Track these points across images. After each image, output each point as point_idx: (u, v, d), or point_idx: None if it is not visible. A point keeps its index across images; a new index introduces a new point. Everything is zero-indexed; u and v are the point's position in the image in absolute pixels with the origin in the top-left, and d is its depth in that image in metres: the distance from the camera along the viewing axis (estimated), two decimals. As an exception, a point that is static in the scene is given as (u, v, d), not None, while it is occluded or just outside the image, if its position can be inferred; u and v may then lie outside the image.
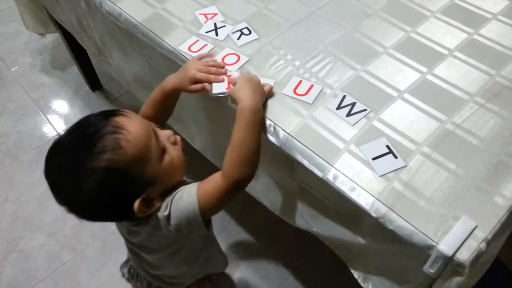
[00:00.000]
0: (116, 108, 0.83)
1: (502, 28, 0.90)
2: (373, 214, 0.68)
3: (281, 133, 0.76)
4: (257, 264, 1.39)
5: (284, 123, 0.77)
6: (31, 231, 1.56)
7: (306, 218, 0.88)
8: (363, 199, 0.69)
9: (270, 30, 0.93)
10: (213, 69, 0.82)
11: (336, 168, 0.72)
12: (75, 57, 1.74)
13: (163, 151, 0.71)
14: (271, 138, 0.77)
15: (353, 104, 0.79)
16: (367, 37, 0.90)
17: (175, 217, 0.71)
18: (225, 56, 0.88)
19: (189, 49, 0.89)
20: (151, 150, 0.68)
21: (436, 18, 0.93)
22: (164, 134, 0.74)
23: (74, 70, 1.93)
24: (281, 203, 0.93)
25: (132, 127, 0.67)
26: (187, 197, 0.71)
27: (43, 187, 1.64)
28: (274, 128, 0.77)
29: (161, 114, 0.86)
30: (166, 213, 0.71)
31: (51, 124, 1.83)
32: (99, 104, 1.88)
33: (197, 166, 1.01)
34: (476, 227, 0.64)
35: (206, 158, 1.08)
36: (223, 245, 1.34)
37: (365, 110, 0.78)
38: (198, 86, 0.81)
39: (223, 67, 0.85)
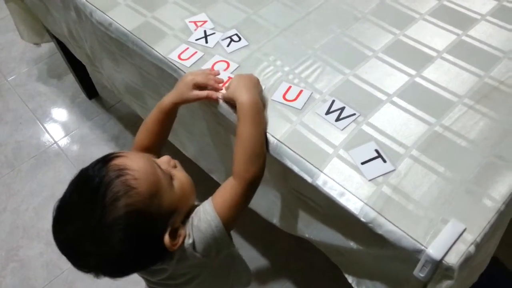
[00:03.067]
0: (111, 116, 0.83)
1: (491, 29, 0.90)
2: (362, 219, 0.68)
3: (271, 140, 0.77)
4: (255, 269, 1.39)
5: (274, 129, 0.77)
6: (30, 240, 1.56)
7: (299, 225, 0.88)
8: (352, 204, 0.69)
9: (259, 36, 0.93)
10: (211, 75, 0.82)
11: (325, 174, 0.72)
12: (71, 65, 1.75)
13: (171, 177, 0.69)
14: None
15: (342, 109, 0.79)
16: (356, 41, 0.90)
17: (200, 241, 0.69)
18: (215, 64, 0.88)
19: (179, 57, 0.90)
20: (160, 181, 0.66)
21: (425, 20, 0.93)
22: (164, 161, 0.72)
23: (71, 78, 1.94)
24: (273, 210, 0.93)
25: (135, 164, 0.64)
26: (205, 216, 0.69)
27: (41, 196, 1.67)
28: (264, 135, 0.77)
29: (158, 141, 0.83)
30: (190, 241, 0.69)
31: (48, 133, 1.84)
32: (96, 112, 1.88)
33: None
34: (465, 230, 0.64)
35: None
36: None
37: (354, 114, 0.78)
38: (203, 93, 0.79)
39: (219, 74, 0.84)
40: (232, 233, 1.44)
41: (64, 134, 1.82)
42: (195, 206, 0.73)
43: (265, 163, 0.74)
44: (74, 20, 1.15)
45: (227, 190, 0.71)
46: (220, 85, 0.82)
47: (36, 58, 2.11)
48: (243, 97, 0.73)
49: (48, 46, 2.07)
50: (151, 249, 0.66)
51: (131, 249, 0.63)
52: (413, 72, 0.84)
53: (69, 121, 1.87)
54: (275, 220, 0.95)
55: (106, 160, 0.65)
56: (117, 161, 0.65)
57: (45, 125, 1.86)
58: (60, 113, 1.90)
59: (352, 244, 0.78)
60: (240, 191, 0.70)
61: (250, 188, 0.72)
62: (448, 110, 0.78)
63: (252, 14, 0.98)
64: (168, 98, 0.80)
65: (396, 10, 0.96)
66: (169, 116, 0.81)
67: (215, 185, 0.75)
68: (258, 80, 0.80)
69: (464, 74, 0.83)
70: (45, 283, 1.45)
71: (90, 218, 0.60)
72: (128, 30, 0.96)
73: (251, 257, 1.42)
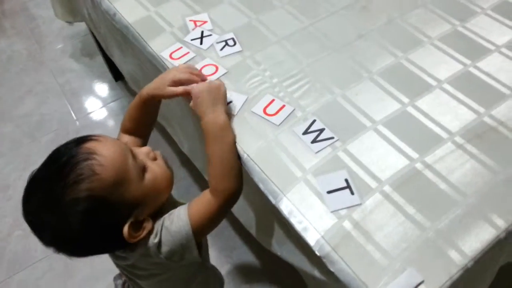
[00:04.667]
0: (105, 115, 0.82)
1: (503, 62, 0.82)
2: (317, 252, 0.64)
3: (242, 154, 0.74)
4: (249, 272, 1.37)
5: (247, 143, 0.75)
6: (38, 211, 1.62)
7: (273, 242, 0.85)
8: (310, 234, 0.65)
9: (255, 43, 0.90)
10: (196, 71, 0.79)
11: (287, 198, 0.68)
12: (99, 47, 1.78)
13: (143, 169, 0.68)
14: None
15: (321, 131, 0.75)
16: (353, 59, 0.85)
17: (166, 243, 0.68)
18: (204, 67, 0.86)
19: (170, 56, 0.88)
20: (129, 171, 0.65)
21: (433, 45, 0.86)
22: (142, 152, 0.71)
23: (101, 59, 1.98)
24: (255, 224, 0.90)
25: (105, 150, 0.64)
26: (178, 221, 0.68)
27: (55, 170, 1.72)
28: (235, 149, 0.75)
29: (141, 127, 0.82)
30: (156, 240, 0.68)
31: (71, 109, 1.89)
32: (119, 94, 1.91)
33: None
34: (422, 282, 0.59)
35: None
36: (217, 252, 1.33)
37: (332, 138, 0.74)
38: (179, 88, 0.75)
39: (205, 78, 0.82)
40: (230, 232, 1.42)
41: (86, 112, 1.87)
42: (173, 202, 0.72)
43: (241, 176, 0.72)
44: (89, 5, 1.16)
45: (204, 203, 0.70)
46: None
47: (72, 35, 2.17)
48: (207, 116, 0.71)
49: (84, 25, 2.12)
50: (108, 236, 0.66)
51: (86, 233, 0.62)
52: (406, 100, 0.78)
53: (92, 100, 1.91)
54: (253, 231, 0.92)
55: (79, 141, 0.66)
56: (89, 144, 0.65)
57: (70, 101, 1.91)
58: (86, 92, 1.95)
59: (316, 272, 0.74)
60: (216, 206, 0.69)
61: (226, 204, 0.70)
62: (435, 146, 0.72)
63: (254, 19, 0.95)
64: (146, 89, 0.79)
65: (404, 30, 0.90)
66: (148, 106, 0.80)
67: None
68: (225, 91, 0.76)
69: (462, 109, 0.76)
70: (43, 255, 1.49)
71: (52, 193, 0.61)
72: (128, 22, 0.96)
73: (246, 260, 1.40)
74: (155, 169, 0.70)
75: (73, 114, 1.88)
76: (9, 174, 1.72)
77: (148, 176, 0.68)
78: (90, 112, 1.87)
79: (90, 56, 2.07)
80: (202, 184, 1.49)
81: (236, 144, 0.74)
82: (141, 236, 0.67)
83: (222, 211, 0.70)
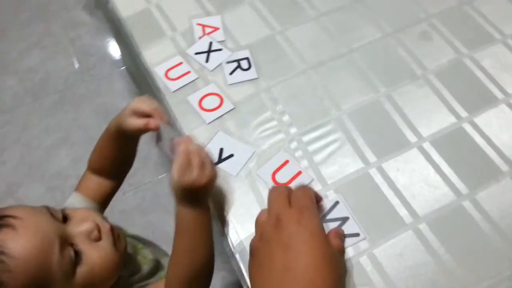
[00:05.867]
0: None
1: None
2: None
3: (234, 239, 0.56)
4: None
5: (243, 227, 0.56)
6: (33, 180, 1.52)
7: None
8: None
9: (275, 69, 0.69)
10: (158, 108, 0.59)
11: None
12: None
13: (75, 261, 0.53)
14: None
15: (344, 220, 0.56)
16: (401, 113, 0.64)
17: None
18: (205, 96, 0.67)
19: (166, 74, 0.69)
20: (50, 272, 0.50)
21: (509, 105, 0.64)
22: (82, 231, 0.55)
23: (116, 14, 1.78)
24: None
25: (18, 246, 0.49)
26: None
27: (55, 136, 1.58)
28: (228, 231, 0.57)
29: (113, 167, 0.68)
30: None
31: (80, 69, 1.72)
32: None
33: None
34: None
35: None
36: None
37: (357, 235, 0.55)
38: (141, 121, 0.58)
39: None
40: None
41: (94, 75, 1.70)
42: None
43: (208, 285, 0.56)
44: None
45: None
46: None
47: (88, -19, 1.95)
48: (185, 209, 0.54)
49: (102, -28, 1.90)
50: None
51: None
52: (465, 190, 0.57)
53: (102, 62, 1.74)
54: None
55: None
56: None
57: (79, 60, 1.74)
58: (97, 51, 1.77)
59: None
60: None
61: None
62: (491, 179, 0.55)
63: (278, 32, 0.73)
64: (112, 121, 0.63)
65: (474, 79, 0.66)
66: (119, 140, 0.64)
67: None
68: (199, 166, 0.53)
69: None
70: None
71: None
72: (122, 16, 0.76)
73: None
74: (93, 258, 0.54)
75: (81, 75, 1.71)
76: (6, 135, 1.61)
77: (81, 270, 0.53)
78: (99, 75, 1.70)
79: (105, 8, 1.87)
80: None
81: (233, 223, 0.56)
82: None
83: None
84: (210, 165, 0.53)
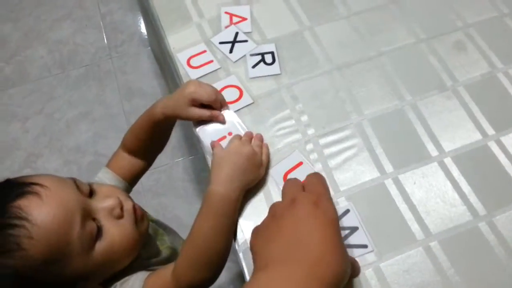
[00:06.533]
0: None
1: None
2: None
3: (240, 239, 0.55)
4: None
5: (248, 226, 0.56)
6: (52, 152, 1.53)
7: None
8: None
9: (299, 66, 0.67)
10: (223, 102, 0.62)
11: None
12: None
13: (96, 236, 0.53)
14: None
15: (353, 230, 0.54)
16: (425, 125, 0.61)
17: None
18: (225, 88, 0.65)
19: (188, 61, 0.68)
20: (70, 244, 0.50)
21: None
22: (105, 207, 0.54)
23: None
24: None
25: (42, 215, 0.48)
26: None
27: (77, 110, 1.60)
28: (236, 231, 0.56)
29: (148, 149, 0.68)
30: None
31: (108, 45, 1.73)
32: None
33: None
34: None
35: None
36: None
37: (365, 246, 0.53)
38: (206, 113, 0.60)
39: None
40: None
41: (121, 52, 1.70)
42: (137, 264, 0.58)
43: (218, 273, 0.55)
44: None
45: (162, 281, 0.56)
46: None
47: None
48: (219, 186, 0.53)
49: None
50: None
51: None
52: (482, 211, 0.55)
53: (131, 40, 1.74)
54: None
55: (14, 191, 0.50)
56: (23, 202, 0.49)
57: (108, 36, 1.75)
58: (127, 28, 1.77)
59: None
60: None
61: None
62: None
63: (306, 28, 0.71)
64: (160, 106, 0.62)
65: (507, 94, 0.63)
66: (161, 127, 0.65)
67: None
68: (260, 163, 0.57)
69: None
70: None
71: None
72: (151, -2, 0.75)
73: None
74: (114, 234, 0.54)
75: (108, 51, 1.72)
76: (31, 104, 1.63)
77: (101, 245, 0.53)
78: (127, 53, 1.70)
79: (140, -14, 1.87)
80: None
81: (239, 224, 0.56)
82: None
83: None
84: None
